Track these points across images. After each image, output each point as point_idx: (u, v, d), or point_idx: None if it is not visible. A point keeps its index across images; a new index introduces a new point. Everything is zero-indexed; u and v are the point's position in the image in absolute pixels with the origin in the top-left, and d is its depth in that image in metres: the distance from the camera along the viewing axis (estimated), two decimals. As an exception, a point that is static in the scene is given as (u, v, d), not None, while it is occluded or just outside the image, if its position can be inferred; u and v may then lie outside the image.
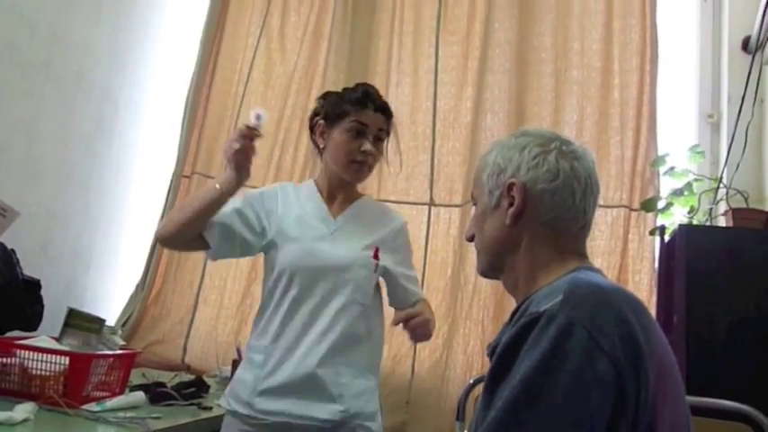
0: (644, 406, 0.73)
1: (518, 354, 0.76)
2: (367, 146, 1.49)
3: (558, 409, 0.70)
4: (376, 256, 1.53)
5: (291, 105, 2.75)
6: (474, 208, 1.04)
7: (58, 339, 1.83)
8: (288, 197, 1.57)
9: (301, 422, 1.42)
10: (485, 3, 2.59)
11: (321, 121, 1.55)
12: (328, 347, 1.45)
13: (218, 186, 1.42)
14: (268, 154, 2.72)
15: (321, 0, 2.83)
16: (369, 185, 2.40)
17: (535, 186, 0.91)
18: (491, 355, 0.90)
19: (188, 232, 1.47)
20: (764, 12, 2.05)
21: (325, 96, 1.61)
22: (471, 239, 1.03)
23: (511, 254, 0.95)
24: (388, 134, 1.57)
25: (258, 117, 1.42)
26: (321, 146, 1.56)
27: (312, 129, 1.60)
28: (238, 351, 2.29)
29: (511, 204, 0.93)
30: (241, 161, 1.40)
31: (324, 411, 1.43)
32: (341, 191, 1.58)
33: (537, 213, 0.92)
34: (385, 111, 1.55)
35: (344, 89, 1.58)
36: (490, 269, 1.00)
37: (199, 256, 2.65)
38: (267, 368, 1.45)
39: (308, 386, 1.43)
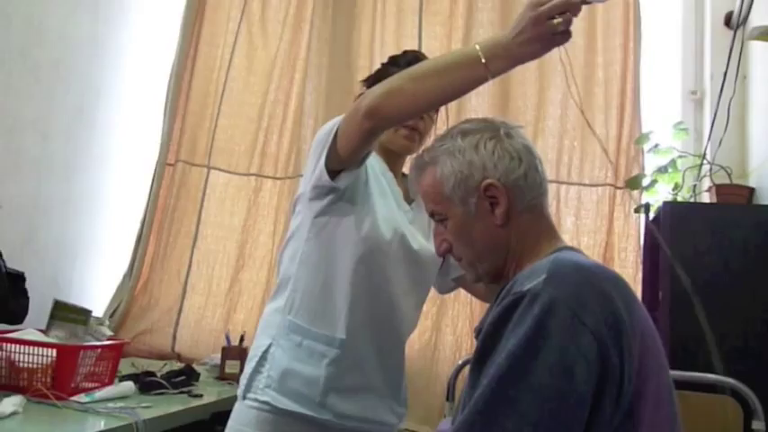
0: (628, 380, 0.74)
1: (503, 333, 0.77)
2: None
3: (544, 386, 0.71)
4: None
5: (274, 90, 2.73)
6: (435, 219, 1.01)
7: (44, 332, 1.82)
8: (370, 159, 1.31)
9: (371, 426, 1.31)
10: (467, -18, 2.57)
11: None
12: (403, 345, 1.37)
13: (486, 66, 1.02)
14: (252, 140, 2.70)
15: (302, -17, 2.79)
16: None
17: (509, 178, 0.93)
18: (478, 336, 0.91)
19: (411, 114, 1.21)
20: (746, -13, 2.05)
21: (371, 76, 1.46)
22: (448, 252, 1.01)
23: (504, 252, 0.95)
24: None
25: None
26: None
27: None
28: (227, 338, 2.29)
29: (492, 205, 0.93)
30: (540, 48, 1.01)
31: (390, 414, 1.35)
32: (396, 165, 1.42)
33: (519, 203, 0.94)
34: None
35: (391, 57, 1.45)
36: (486, 275, 0.99)
37: (186, 244, 2.65)
38: (344, 364, 1.27)
39: (388, 386, 1.34)
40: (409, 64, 1.33)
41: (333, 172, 1.23)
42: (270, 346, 1.28)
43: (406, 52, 1.44)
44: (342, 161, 1.22)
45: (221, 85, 2.77)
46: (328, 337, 1.27)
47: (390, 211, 1.33)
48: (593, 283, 0.78)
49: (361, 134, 1.15)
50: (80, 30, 2.55)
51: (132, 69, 2.84)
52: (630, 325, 0.76)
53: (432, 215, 1.02)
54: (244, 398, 1.27)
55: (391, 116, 1.15)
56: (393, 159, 1.41)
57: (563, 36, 1.00)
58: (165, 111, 2.76)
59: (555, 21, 0.98)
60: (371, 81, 1.39)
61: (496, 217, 0.93)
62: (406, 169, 1.44)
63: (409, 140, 1.37)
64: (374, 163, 1.32)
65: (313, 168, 1.26)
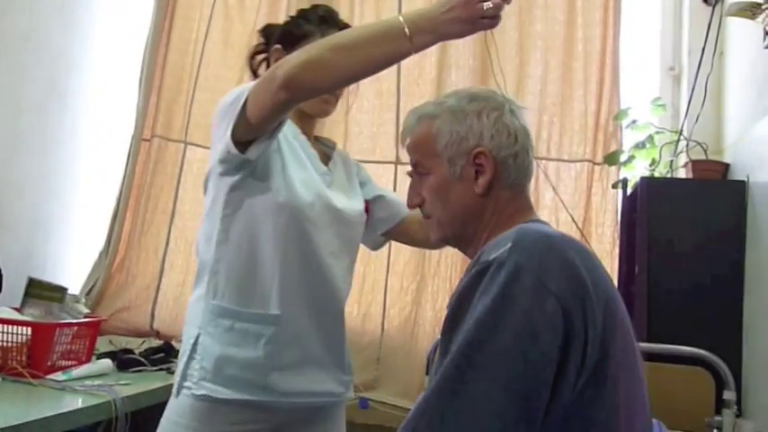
0: (592, 344, 0.75)
1: (471, 302, 0.79)
2: None
3: (509, 350, 0.73)
4: (367, 210, 1.41)
5: (252, 64, 2.68)
6: (415, 170, 1.03)
7: (19, 310, 1.80)
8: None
9: (319, 399, 1.28)
10: (447, -45, 2.53)
11: (277, 46, 1.32)
12: (342, 311, 1.32)
13: (410, 40, 1.02)
14: (230, 115, 2.66)
15: (279, -45, 2.73)
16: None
17: (500, 153, 0.96)
18: None
19: (331, 87, 1.18)
20: (725, -38, 2.06)
21: (271, 26, 1.42)
22: (419, 206, 1.03)
23: (477, 221, 0.98)
24: None
25: None
26: None
27: (256, 62, 1.38)
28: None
29: (477, 173, 0.96)
30: (466, 29, 1.02)
31: (336, 384, 1.31)
32: (308, 127, 1.37)
33: (503, 178, 0.96)
34: None
35: (300, 10, 1.38)
36: (453, 238, 1.02)
37: (163, 220, 2.62)
38: (283, 340, 1.21)
39: (331, 355, 1.29)
40: (322, 20, 1.32)
41: (241, 144, 1.15)
42: (198, 336, 1.21)
43: (316, 6, 1.37)
44: (253, 131, 1.14)
45: (197, 59, 2.71)
46: (262, 315, 1.20)
47: (308, 174, 1.27)
48: (557, 250, 0.79)
49: (276, 104, 1.08)
50: (50, 1, 2.48)
51: (105, 42, 2.77)
52: (594, 291, 0.78)
53: (414, 166, 1.03)
54: (178, 394, 1.20)
55: (309, 89, 1.10)
56: (306, 122, 1.36)
57: (491, 21, 1.01)
58: (139, 85, 2.70)
59: (485, 5, 0.99)
60: (278, 36, 1.34)
61: (478, 185, 0.96)
62: (318, 131, 1.43)
63: (327, 104, 1.33)
64: (284, 128, 1.22)
65: (218, 141, 1.18)
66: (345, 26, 1.33)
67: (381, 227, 1.48)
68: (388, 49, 1.04)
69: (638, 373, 0.84)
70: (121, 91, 2.79)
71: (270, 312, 1.21)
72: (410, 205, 1.05)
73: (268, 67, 1.36)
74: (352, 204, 1.35)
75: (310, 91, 1.13)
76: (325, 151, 1.41)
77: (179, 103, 2.71)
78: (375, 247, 1.55)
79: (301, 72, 1.04)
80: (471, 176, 0.96)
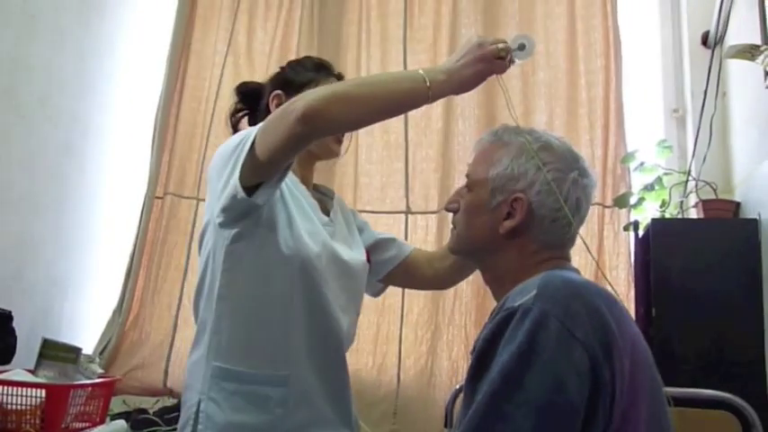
0: (620, 392, 0.74)
1: (496, 349, 0.78)
2: None
3: (536, 400, 0.72)
4: (369, 259, 1.36)
5: (262, 121, 2.74)
6: (466, 182, 1.04)
7: (33, 372, 1.79)
8: None
9: None
10: (449, 11, 2.61)
11: (278, 92, 1.30)
12: (346, 366, 1.26)
13: (428, 86, 1.04)
14: (241, 171, 2.70)
15: (287, 15, 2.83)
16: (344, 197, 2.39)
17: (539, 210, 0.95)
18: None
19: (352, 123, 1.13)
20: (720, 6, 2.10)
21: (247, 83, 1.42)
22: (453, 211, 1.05)
23: (493, 255, 0.99)
24: None
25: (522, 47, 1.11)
26: None
27: (236, 119, 1.37)
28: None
29: (509, 215, 0.96)
30: (477, 80, 1.07)
31: None
32: (309, 175, 1.34)
33: (531, 233, 0.96)
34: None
35: (292, 61, 1.40)
36: (465, 255, 1.07)
37: (176, 277, 2.63)
38: (292, 402, 1.13)
39: (339, 414, 1.22)
40: (319, 67, 1.34)
41: (247, 189, 1.08)
42: (200, 402, 1.13)
43: (309, 57, 1.42)
44: (262, 172, 1.07)
45: (209, 117, 2.78)
46: (270, 376, 1.13)
47: (313, 225, 1.23)
48: (582, 297, 0.79)
49: (292, 138, 1.02)
50: (66, 67, 2.56)
51: (119, 104, 2.85)
52: (621, 339, 0.77)
53: (467, 176, 1.04)
54: None
55: (332, 122, 1.04)
56: (306, 168, 1.32)
57: (503, 62, 1.06)
58: (152, 144, 2.76)
59: (498, 45, 1.05)
60: (277, 83, 1.33)
61: (503, 226, 0.96)
62: (327, 182, 1.42)
63: (339, 144, 1.30)
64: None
65: (222, 188, 1.11)
66: (341, 76, 1.35)
67: (382, 270, 1.41)
68: (408, 88, 1.05)
69: (666, 420, 0.83)
70: (135, 151, 2.85)
71: (278, 373, 1.14)
72: (446, 208, 1.07)
73: (252, 122, 1.36)
74: (354, 255, 1.30)
75: (331, 124, 1.07)
76: (324, 201, 1.36)
77: (191, 161, 2.76)
78: (375, 293, 1.48)
79: (326, 105, 1.01)
80: (502, 215, 0.96)
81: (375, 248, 1.42)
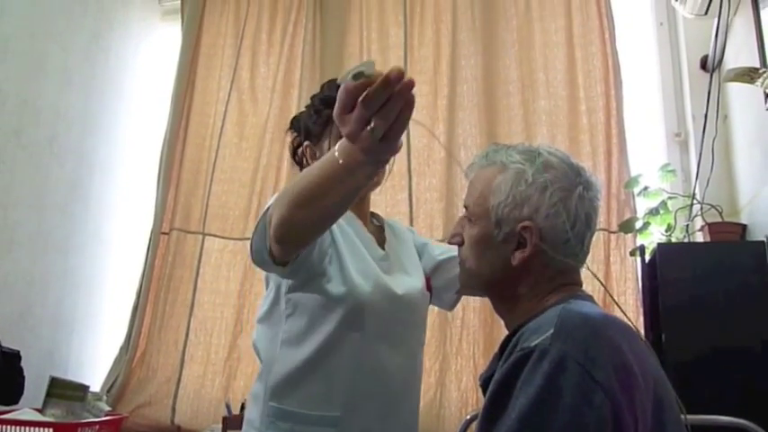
0: None
1: (512, 391, 0.75)
2: None
3: None
4: (429, 288, 1.33)
5: (267, 155, 2.77)
6: (466, 212, 0.99)
7: (41, 410, 1.79)
8: None
9: None
10: (449, 42, 2.65)
11: (305, 143, 1.31)
12: (412, 402, 1.24)
13: (358, 178, 0.86)
14: (246, 204, 2.71)
15: (289, 51, 2.88)
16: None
17: (550, 234, 0.90)
18: (483, 386, 0.89)
19: (316, 237, 1.07)
20: (717, 31, 2.12)
21: (293, 123, 1.38)
22: (457, 245, 1.00)
23: (508, 287, 0.94)
24: None
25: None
26: None
27: (301, 163, 1.34)
28: (228, 407, 2.24)
29: (519, 244, 0.91)
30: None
31: None
32: (364, 206, 1.31)
33: (544, 258, 0.91)
34: None
35: (308, 105, 1.35)
36: (478, 291, 0.99)
37: (182, 312, 2.63)
38: None
39: None
40: (327, 103, 1.24)
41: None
42: None
43: (319, 92, 1.34)
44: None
45: (213, 153, 2.81)
46: (321, 417, 1.14)
47: (364, 262, 1.22)
48: (602, 335, 0.76)
49: (280, 254, 1.03)
50: (73, 107, 2.60)
51: (125, 141, 2.89)
52: (643, 378, 0.74)
53: (465, 207, 0.99)
54: None
55: (298, 245, 1.03)
56: (359, 201, 1.27)
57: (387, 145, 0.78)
58: (158, 180, 2.79)
59: (369, 128, 0.77)
60: (303, 134, 1.31)
61: (515, 257, 0.91)
62: (372, 207, 1.35)
63: (380, 177, 1.25)
64: None
65: None
66: None
67: (452, 287, 1.35)
68: (347, 185, 0.88)
69: None
70: (141, 188, 2.88)
71: (330, 414, 1.14)
72: (450, 242, 1.02)
73: (309, 157, 1.32)
74: (413, 283, 1.28)
75: (301, 246, 1.05)
76: (379, 232, 1.34)
77: (197, 196, 2.78)
78: (450, 307, 1.46)
79: (283, 233, 0.97)
80: (512, 246, 0.91)
81: (438, 270, 1.38)
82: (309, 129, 1.31)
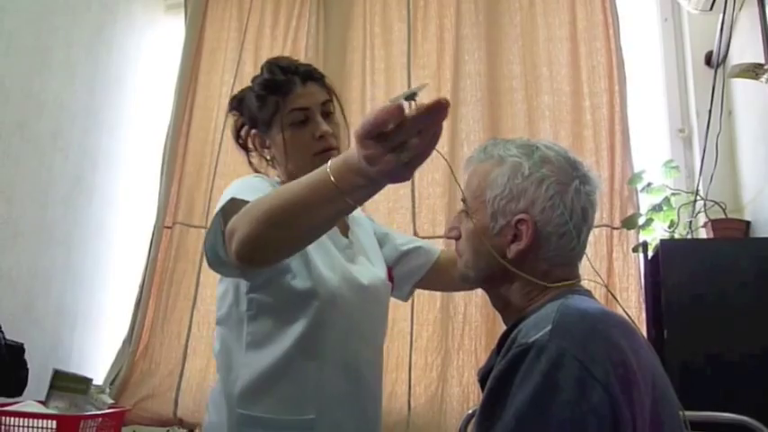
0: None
1: (509, 387, 0.75)
2: (321, 128, 1.17)
3: None
4: (390, 278, 1.29)
5: (269, 149, 2.76)
6: (463, 206, 0.99)
7: (44, 403, 1.80)
8: None
9: None
10: (452, 37, 2.64)
11: (252, 131, 1.26)
12: (377, 400, 1.20)
13: (350, 202, 0.83)
14: (249, 199, 2.71)
15: (292, 45, 2.87)
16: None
17: (545, 228, 0.90)
18: (481, 380, 0.89)
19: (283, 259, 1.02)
20: (722, 27, 2.11)
21: (235, 105, 1.29)
22: (454, 238, 1.00)
23: (503, 281, 0.94)
24: (332, 102, 1.24)
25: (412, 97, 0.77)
26: (269, 157, 1.26)
27: (246, 147, 1.28)
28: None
29: (515, 237, 0.91)
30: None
31: None
32: None
33: (539, 252, 0.91)
34: (313, 76, 1.22)
35: (253, 80, 1.26)
36: (475, 284, 1.00)
37: (185, 306, 2.63)
38: None
39: None
40: (282, 79, 1.19)
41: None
42: None
43: (263, 68, 1.26)
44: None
45: (217, 146, 2.81)
46: (296, 421, 1.08)
47: (329, 254, 1.16)
48: (600, 332, 0.76)
49: (245, 268, 1.00)
50: (76, 101, 2.61)
51: (128, 136, 2.89)
52: (642, 375, 0.74)
53: (463, 200, 0.99)
54: None
55: (263, 265, 0.99)
56: None
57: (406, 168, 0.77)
58: (161, 174, 2.79)
59: (402, 155, 0.75)
60: (248, 121, 1.26)
61: (510, 250, 0.91)
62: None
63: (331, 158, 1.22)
64: None
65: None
66: (307, 71, 1.23)
67: (412, 278, 1.35)
68: (329, 210, 0.85)
69: None
70: (145, 182, 2.88)
71: (304, 417, 1.09)
72: (447, 235, 1.02)
73: (248, 149, 1.29)
74: (376, 273, 1.24)
75: (267, 265, 1.01)
76: (343, 219, 1.29)
77: (200, 190, 2.78)
78: (406, 298, 1.43)
79: (248, 251, 0.90)
80: (508, 239, 0.91)
81: (400, 261, 1.36)
82: (256, 116, 1.24)
